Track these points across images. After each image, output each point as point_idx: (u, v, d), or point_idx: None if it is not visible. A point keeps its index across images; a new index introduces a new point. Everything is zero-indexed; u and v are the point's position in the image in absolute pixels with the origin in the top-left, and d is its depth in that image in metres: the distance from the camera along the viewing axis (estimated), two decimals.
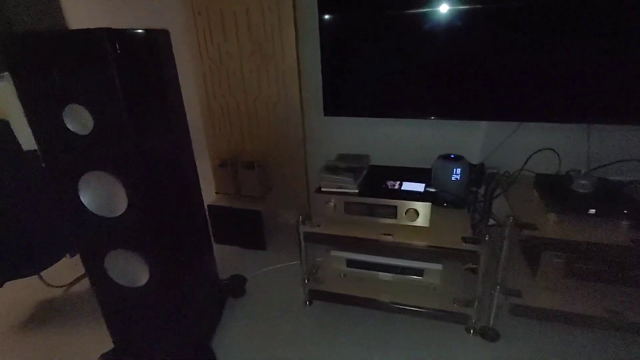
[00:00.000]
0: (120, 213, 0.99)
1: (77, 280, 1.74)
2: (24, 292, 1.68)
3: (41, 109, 0.89)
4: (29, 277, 1.54)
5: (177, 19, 1.81)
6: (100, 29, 0.80)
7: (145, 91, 0.94)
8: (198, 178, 1.30)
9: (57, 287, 1.69)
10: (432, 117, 1.56)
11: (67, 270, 1.78)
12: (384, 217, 1.29)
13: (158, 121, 1.00)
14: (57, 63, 0.84)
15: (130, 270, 1.07)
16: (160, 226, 1.03)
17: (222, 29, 1.70)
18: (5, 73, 1.28)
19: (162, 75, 1.03)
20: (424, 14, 1.37)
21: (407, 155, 1.76)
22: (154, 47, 0.99)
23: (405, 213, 1.25)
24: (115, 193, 0.97)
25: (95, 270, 1.09)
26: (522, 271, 1.32)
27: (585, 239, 1.04)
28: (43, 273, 1.61)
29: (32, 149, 1.43)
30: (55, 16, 2.03)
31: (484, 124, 1.62)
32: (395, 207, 1.26)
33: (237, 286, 1.58)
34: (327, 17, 1.49)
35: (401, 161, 1.76)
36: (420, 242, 1.22)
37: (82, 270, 1.79)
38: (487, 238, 1.16)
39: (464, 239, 1.20)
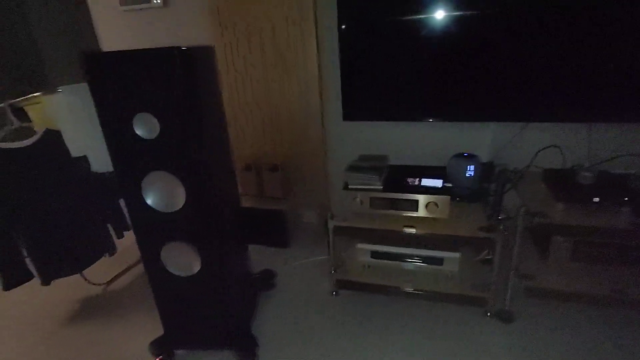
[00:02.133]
0: (177, 208, 1.11)
1: (115, 278, 1.85)
2: (68, 289, 1.80)
3: (114, 117, 1.02)
4: (72, 276, 1.65)
5: (204, 33, 1.95)
6: (171, 47, 0.93)
7: (201, 100, 1.07)
8: (236, 178, 1.42)
9: (97, 284, 1.80)
10: (445, 120, 1.69)
11: (106, 268, 1.90)
12: (407, 211, 1.41)
13: (210, 126, 1.13)
14: (131, 77, 0.97)
15: (184, 260, 1.19)
16: (211, 220, 1.15)
17: (248, 42, 1.84)
18: (60, 88, 1.42)
19: (212, 85, 1.17)
20: (430, 22, 1.51)
21: (422, 154, 1.89)
22: (206, 61, 1.12)
23: (426, 206, 1.38)
24: (174, 191, 1.09)
25: (151, 261, 1.21)
26: (534, 257, 1.44)
27: (591, 224, 1.17)
28: (85, 271, 1.73)
29: (80, 155, 1.56)
30: (85, 36, 2.16)
31: (492, 124, 1.75)
32: (417, 200, 1.38)
33: (267, 280, 1.69)
34: (345, 28, 1.63)
35: (417, 160, 1.90)
36: (440, 232, 1.34)
37: (120, 269, 1.91)
38: (501, 227, 1.29)
39: (481, 228, 1.33)
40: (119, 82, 0.98)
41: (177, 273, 1.21)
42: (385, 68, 1.67)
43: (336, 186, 2.11)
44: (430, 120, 1.74)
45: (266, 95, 1.93)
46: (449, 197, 1.36)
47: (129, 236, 1.80)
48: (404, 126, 1.89)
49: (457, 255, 1.45)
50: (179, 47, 0.94)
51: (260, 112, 1.98)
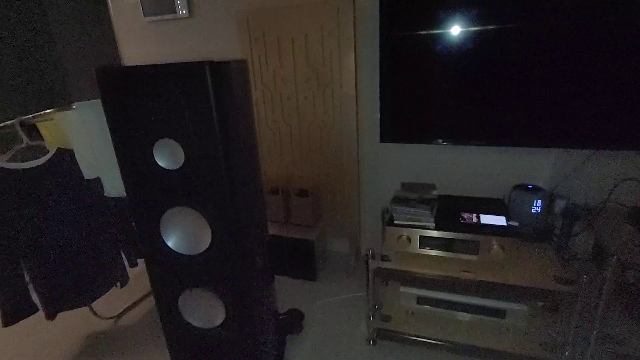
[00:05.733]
0: (201, 251, 0.93)
1: (126, 310, 1.68)
2: (73, 324, 1.63)
3: (131, 143, 0.85)
4: (80, 309, 1.49)
5: (232, 45, 1.81)
6: (201, 62, 0.77)
7: (235, 123, 0.90)
8: (265, 209, 1.24)
9: (106, 318, 1.63)
10: (501, 145, 1.48)
11: (116, 300, 1.73)
12: (464, 253, 1.20)
13: (243, 154, 0.96)
14: (153, 96, 0.81)
15: (205, 309, 1.01)
16: (239, 263, 0.97)
17: (278, 55, 1.69)
18: (74, 104, 1.28)
19: (245, 106, 1.00)
20: (486, 34, 1.32)
21: (469, 183, 1.67)
22: (239, 77, 0.96)
23: (489, 249, 1.17)
24: (198, 230, 0.92)
25: (167, 311, 1.03)
26: (620, 315, 1.20)
27: None
28: (93, 304, 1.56)
29: (93, 177, 1.41)
30: (107, 50, 2.05)
31: (554, 150, 1.53)
32: (478, 242, 1.17)
33: (295, 322, 1.49)
34: (388, 41, 1.46)
35: (464, 190, 1.69)
36: (507, 282, 1.13)
37: (131, 301, 1.74)
38: (585, 278, 1.06)
39: (558, 279, 1.10)
40: (139, 102, 0.82)
41: (196, 324, 1.03)
42: (431, 84, 1.48)
43: (369, 214, 1.91)
44: (482, 144, 1.54)
45: (296, 113, 1.76)
46: (517, 239, 1.14)
47: (141, 264, 1.64)
48: (449, 150, 1.69)
49: (523, 307, 1.22)
50: (210, 61, 0.77)
51: (290, 131, 1.81)
